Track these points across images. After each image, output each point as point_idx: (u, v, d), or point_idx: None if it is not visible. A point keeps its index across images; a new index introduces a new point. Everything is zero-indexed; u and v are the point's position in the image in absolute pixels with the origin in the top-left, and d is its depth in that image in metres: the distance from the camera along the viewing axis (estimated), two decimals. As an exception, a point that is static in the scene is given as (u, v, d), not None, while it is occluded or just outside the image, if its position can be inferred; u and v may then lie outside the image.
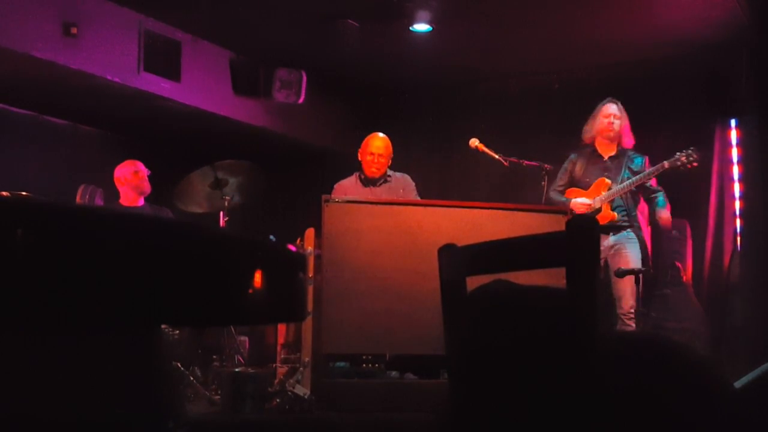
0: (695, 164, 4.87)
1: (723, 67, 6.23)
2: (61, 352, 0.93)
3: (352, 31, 5.97)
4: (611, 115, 5.21)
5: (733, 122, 6.38)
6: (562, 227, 1.35)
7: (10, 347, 0.90)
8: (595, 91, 6.26)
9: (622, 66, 6.61)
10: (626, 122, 5.25)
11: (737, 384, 1.60)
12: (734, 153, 6.36)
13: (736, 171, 6.33)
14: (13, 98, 6.31)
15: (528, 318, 1.45)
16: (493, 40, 6.41)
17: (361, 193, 5.20)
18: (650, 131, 5.89)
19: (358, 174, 5.35)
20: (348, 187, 5.28)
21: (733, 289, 6.12)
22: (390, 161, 5.32)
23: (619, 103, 5.30)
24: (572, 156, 5.33)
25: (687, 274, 6.16)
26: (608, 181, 5.06)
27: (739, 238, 6.22)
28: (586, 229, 1.35)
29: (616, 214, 4.99)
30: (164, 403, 1.09)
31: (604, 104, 5.30)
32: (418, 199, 5.20)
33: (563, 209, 4.82)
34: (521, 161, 5.18)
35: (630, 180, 5.02)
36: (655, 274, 6.13)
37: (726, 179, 6.36)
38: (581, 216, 4.68)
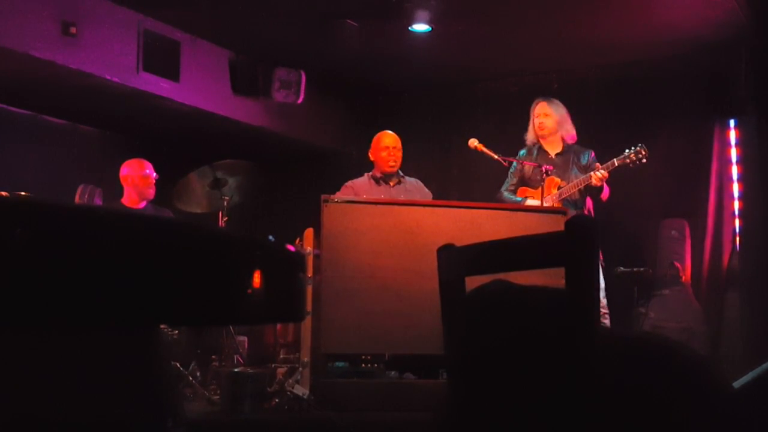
0: (644, 161, 4.85)
1: (722, 67, 6.23)
2: (59, 351, 0.93)
3: (352, 31, 5.97)
4: (540, 114, 5.23)
5: (732, 122, 6.39)
6: (561, 227, 1.35)
7: (7, 347, 0.90)
8: (594, 90, 6.28)
9: (621, 66, 6.61)
10: (561, 117, 5.23)
11: (736, 384, 1.60)
12: (733, 153, 6.37)
13: (735, 171, 6.34)
14: (12, 98, 6.31)
15: (527, 318, 1.45)
16: (492, 40, 6.41)
17: (375, 192, 5.16)
18: (649, 131, 5.89)
19: (370, 174, 5.31)
20: (360, 186, 5.22)
21: (731, 289, 6.12)
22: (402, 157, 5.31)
23: (554, 101, 5.28)
24: (522, 152, 5.32)
25: (686, 274, 6.16)
26: (558, 179, 5.05)
27: (738, 238, 6.23)
28: (585, 229, 1.35)
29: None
30: (163, 403, 1.09)
31: (535, 104, 5.31)
32: None
33: (562, 209, 4.81)
34: (520, 161, 5.19)
35: (580, 178, 4.99)
36: (653, 274, 6.14)
37: (725, 179, 6.36)
38: (580, 216, 4.69)
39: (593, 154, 5.11)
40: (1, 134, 6.28)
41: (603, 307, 4.94)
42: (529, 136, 5.32)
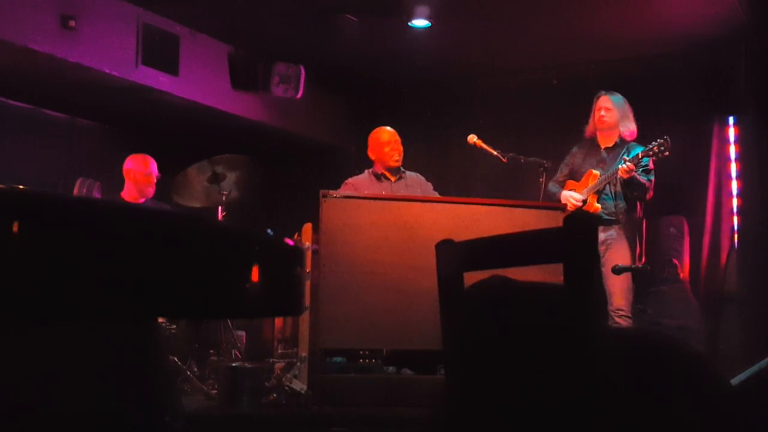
0: (667, 153, 4.84)
1: (721, 65, 6.23)
2: (56, 345, 0.93)
3: (351, 26, 5.96)
4: (602, 108, 5.20)
5: (731, 119, 6.38)
6: (560, 223, 1.35)
7: (5, 341, 0.89)
8: (593, 87, 6.26)
9: (620, 62, 6.61)
10: (623, 113, 5.20)
11: (734, 380, 1.60)
12: (732, 150, 6.37)
13: (733, 168, 6.34)
14: (10, 91, 6.29)
15: (525, 314, 1.45)
16: (492, 36, 6.41)
17: (377, 189, 5.13)
18: (648, 128, 5.88)
19: (370, 171, 5.29)
20: (361, 183, 5.19)
21: (730, 287, 6.13)
22: None
23: (616, 95, 5.25)
24: (574, 148, 5.31)
25: (684, 271, 6.17)
26: (596, 172, 5.03)
27: (736, 236, 6.23)
28: (583, 225, 1.35)
29: (599, 207, 4.95)
30: (161, 398, 1.09)
31: (597, 97, 5.29)
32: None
33: (561, 205, 4.82)
34: (519, 157, 5.18)
35: (609, 171, 4.98)
36: (652, 270, 6.14)
37: (724, 176, 6.36)
38: (579, 212, 4.69)
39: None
40: (-1, 128, 6.28)
41: (621, 309, 4.90)
42: (589, 129, 5.26)
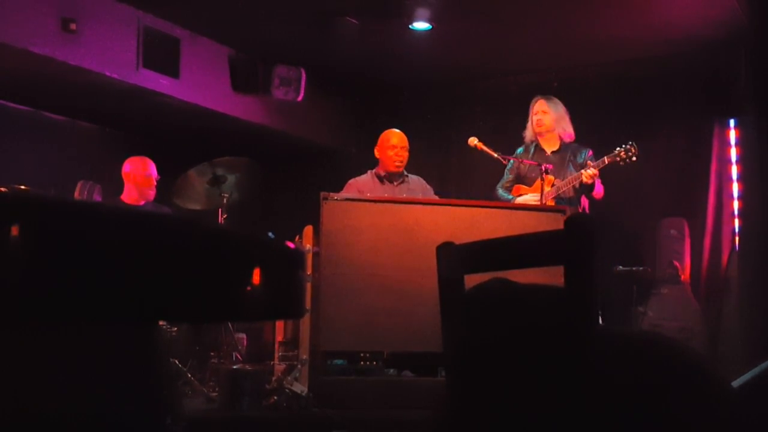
0: (635, 159, 4.86)
1: (722, 67, 6.23)
2: (57, 348, 0.93)
3: (352, 29, 5.97)
4: (538, 111, 5.25)
5: (731, 122, 6.39)
6: (560, 226, 1.35)
7: (6, 344, 0.89)
8: (594, 89, 6.28)
9: (620, 64, 6.61)
10: (559, 116, 5.23)
11: (735, 383, 1.60)
12: (733, 153, 6.37)
13: (734, 171, 6.34)
14: (11, 94, 6.30)
15: (526, 316, 1.45)
16: (493, 39, 6.41)
17: (379, 190, 5.14)
18: (648, 130, 5.90)
19: (373, 172, 5.30)
20: (364, 184, 5.21)
21: (730, 289, 6.13)
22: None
23: (552, 99, 5.29)
24: (518, 151, 5.33)
25: (685, 273, 6.17)
26: (552, 177, 5.05)
27: (737, 238, 6.23)
28: (584, 228, 1.35)
29: None
30: (162, 400, 1.09)
31: (533, 102, 5.32)
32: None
33: (561, 208, 4.81)
34: (518, 159, 5.19)
35: (571, 175, 4.99)
36: (653, 273, 6.14)
37: (724, 179, 6.37)
38: (580, 214, 4.69)
39: (591, 152, 5.11)
40: (0, 130, 6.27)
41: None
42: (528, 134, 5.34)
